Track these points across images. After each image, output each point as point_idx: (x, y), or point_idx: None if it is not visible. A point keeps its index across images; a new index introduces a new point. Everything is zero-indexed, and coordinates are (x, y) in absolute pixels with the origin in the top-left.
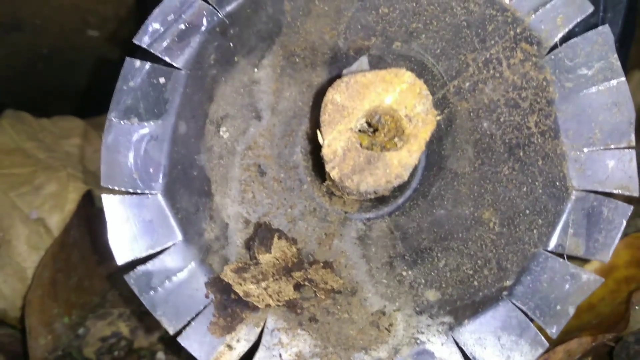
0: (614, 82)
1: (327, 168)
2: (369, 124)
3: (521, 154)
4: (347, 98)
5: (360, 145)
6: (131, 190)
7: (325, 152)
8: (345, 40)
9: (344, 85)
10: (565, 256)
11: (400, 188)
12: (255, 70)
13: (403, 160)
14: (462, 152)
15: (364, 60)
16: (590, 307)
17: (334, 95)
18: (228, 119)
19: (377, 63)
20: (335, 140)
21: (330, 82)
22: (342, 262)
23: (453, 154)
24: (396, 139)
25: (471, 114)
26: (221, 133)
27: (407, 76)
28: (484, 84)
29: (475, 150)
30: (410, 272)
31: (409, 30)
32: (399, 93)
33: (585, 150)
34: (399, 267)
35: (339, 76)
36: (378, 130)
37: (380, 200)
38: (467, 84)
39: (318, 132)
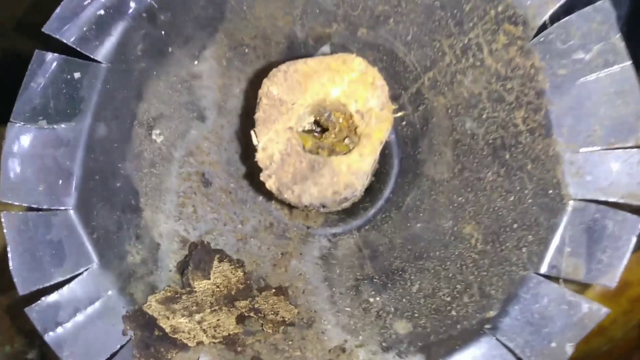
0: (616, 67)
1: (262, 177)
2: (318, 123)
3: (507, 156)
4: (285, 90)
5: (303, 148)
6: (36, 206)
7: (260, 156)
8: (302, 27)
9: (281, 75)
10: (561, 280)
11: (372, 198)
12: (196, 62)
13: (354, 165)
14: (440, 156)
15: (325, 51)
16: (601, 330)
17: (270, 87)
18: (162, 120)
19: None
20: (272, 142)
21: None
22: (300, 286)
23: (430, 158)
24: (347, 141)
25: (449, 111)
26: (154, 136)
27: (357, 63)
28: (463, 74)
29: (455, 153)
30: (378, 298)
31: (374, 14)
32: (348, 84)
33: (584, 150)
34: (366, 292)
35: None
36: (328, 130)
37: (348, 213)
38: (444, 75)
39: (252, 132)
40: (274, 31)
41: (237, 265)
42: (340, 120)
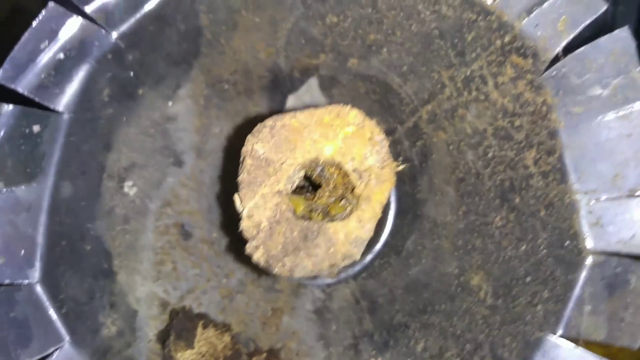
0: (638, 105)
1: (248, 249)
2: (309, 178)
3: (517, 200)
4: (272, 149)
5: (294, 213)
6: None
7: (245, 225)
8: (286, 59)
9: (267, 131)
10: (581, 341)
11: (368, 243)
12: (170, 103)
13: (352, 233)
14: (441, 196)
15: (313, 83)
16: None
17: (255, 145)
18: (135, 169)
19: (330, 85)
20: (259, 208)
21: (272, 111)
22: (293, 347)
23: (431, 198)
24: (343, 202)
25: (451, 147)
26: (126, 189)
27: (353, 116)
28: (465, 109)
29: (458, 193)
30: (380, 359)
31: (366, 43)
32: (343, 140)
33: (604, 198)
34: (365, 351)
35: (282, 103)
36: (321, 187)
37: None
38: (444, 109)
39: (236, 196)
40: (256, 64)
41: (224, 329)
42: (335, 176)
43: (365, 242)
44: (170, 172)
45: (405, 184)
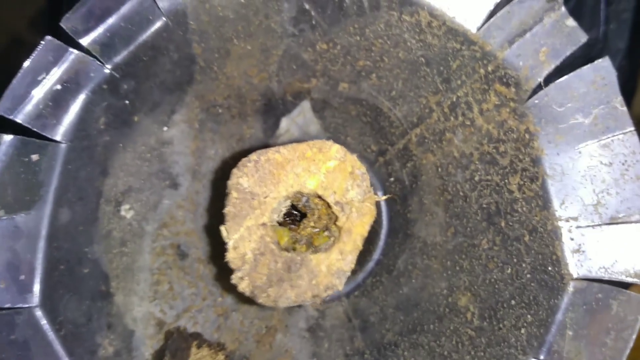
0: (618, 134)
1: (234, 279)
2: (295, 207)
3: (503, 224)
4: (256, 182)
5: (278, 245)
6: None
7: (231, 256)
8: (279, 84)
9: (252, 165)
10: None
11: (360, 260)
12: (165, 128)
13: (334, 265)
14: (431, 216)
15: (305, 106)
16: None
17: (240, 178)
18: (132, 193)
19: (323, 108)
20: (244, 240)
21: (266, 133)
22: None
23: (421, 218)
24: (327, 233)
25: (439, 170)
26: (122, 212)
27: (335, 150)
28: (452, 133)
29: (447, 214)
30: None
31: (355, 68)
32: (325, 174)
33: (585, 225)
34: None
35: (276, 125)
36: (307, 217)
37: None
38: (432, 132)
39: (222, 228)
40: (249, 89)
41: (218, 348)
42: (320, 206)
43: (347, 274)
44: (166, 194)
45: (397, 204)
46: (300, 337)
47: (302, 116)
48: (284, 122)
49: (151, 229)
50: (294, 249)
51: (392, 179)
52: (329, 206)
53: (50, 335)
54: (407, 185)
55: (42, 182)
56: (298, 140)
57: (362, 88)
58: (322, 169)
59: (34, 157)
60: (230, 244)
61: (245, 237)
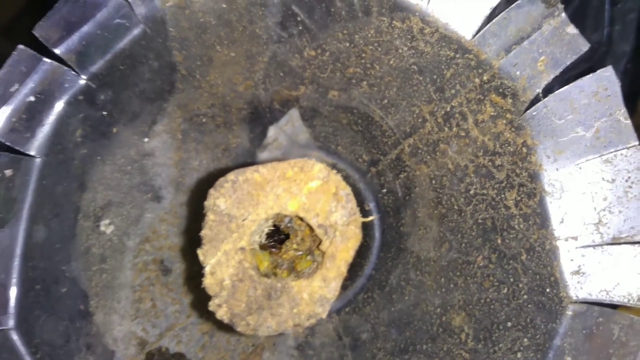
0: (622, 150)
1: (211, 306)
2: (277, 228)
3: (499, 241)
4: (234, 204)
5: (258, 270)
6: None
7: (208, 282)
8: (265, 91)
9: (229, 186)
10: None
11: (352, 275)
12: (146, 140)
13: (316, 293)
14: (425, 230)
15: (294, 114)
16: None
17: (217, 200)
18: (111, 207)
19: (312, 116)
20: (221, 265)
21: (253, 142)
22: None
23: (414, 232)
24: (310, 257)
25: (433, 182)
26: (102, 228)
27: (317, 170)
28: (446, 144)
29: (442, 228)
30: None
31: (345, 76)
32: (307, 195)
33: (586, 245)
34: None
35: (263, 134)
36: (289, 238)
37: None
38: (426, 143)
39: (199, 252)
40: (234, 97)
41: None
42: (303, 228)
43: (331, 302)
44: (148, 207)
45: (390, 217)
46: (289, 356)
47: (290, 125)
48: (272, 131)
49: (133, 244)
50: (275, 274)
51: (384, 190)
52: (312, 228)
53: (27, 358)
54: (400, 197)
55: (15, 198)
56: (287, 150)
57: (352, 96)
58: (304, 190)
59: (8, 172)
60: (207, 269)
61: (223, 262)
